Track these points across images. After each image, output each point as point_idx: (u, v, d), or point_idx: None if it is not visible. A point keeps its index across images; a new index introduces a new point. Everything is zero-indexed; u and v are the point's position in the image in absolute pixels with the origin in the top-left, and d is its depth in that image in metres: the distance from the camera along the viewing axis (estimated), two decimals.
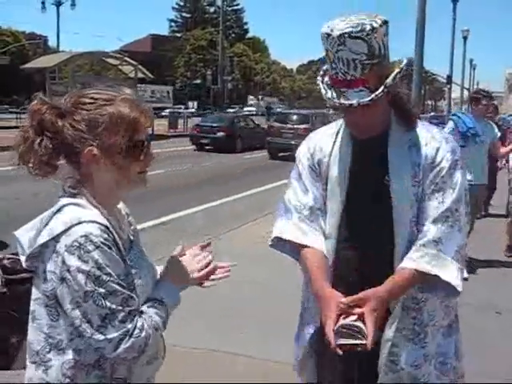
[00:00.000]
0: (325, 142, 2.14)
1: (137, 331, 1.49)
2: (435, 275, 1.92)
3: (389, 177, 2.00)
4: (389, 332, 2.01)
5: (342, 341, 1.85)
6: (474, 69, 71.12)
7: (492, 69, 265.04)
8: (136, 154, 1.58)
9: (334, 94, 1.91)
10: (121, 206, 1.73)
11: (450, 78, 39.39)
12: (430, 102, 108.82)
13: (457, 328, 2.17)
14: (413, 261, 1.94)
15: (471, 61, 66.34)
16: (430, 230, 1.95)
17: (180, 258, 1.76)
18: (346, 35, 1.82)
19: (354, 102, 1.86)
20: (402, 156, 2.00)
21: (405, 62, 2.02)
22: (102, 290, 1.46)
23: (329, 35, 1.85)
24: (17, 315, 1.67)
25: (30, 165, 1.55)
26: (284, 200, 2.21)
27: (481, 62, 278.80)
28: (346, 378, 2.13)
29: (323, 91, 1.95)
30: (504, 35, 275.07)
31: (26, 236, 1.57)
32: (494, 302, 5.31)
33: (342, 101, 1.89)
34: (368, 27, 1.82)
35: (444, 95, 77.80)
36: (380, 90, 1.86)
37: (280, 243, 2.21)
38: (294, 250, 2.17)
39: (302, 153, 2.19)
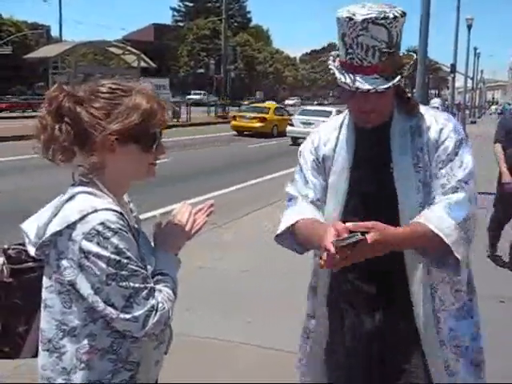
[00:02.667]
0: (329, 136, 2.15)
1: (160, 305, 1.55)
2: (437, 235, 1.88)
3: (392, 165, 2.00)
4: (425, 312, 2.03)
5: (340, 242, 1.72)
6: (478, 58, 70.78)
7: (496, 58, 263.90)
8: (149, 145, 1.62)
9: (348, 79, 1.90)
10: None
11: (453, 67, 39.20)
12: (433, 91, 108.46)
13: (471, 311, 2.15)
14: (420, 217, 1.93)
15: (475, 50, 65.98)
16: (441, 199, 1.95)
17: (163, 226, 1.78)
18: (370, 21, 1.82)
19: (372, 87, 1.86)
20: (404, 143, 2.00)
21: (415, 56, 2.02)
22: (123, 273, 1.50)
23: (350, 19, 1.84)
24: (23, 304, 1.69)
25: (55, 152, 1.57)
26: (286, 193, 2.22)
27: (485, 51, 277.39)
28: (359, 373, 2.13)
29: (338, 75, 1.92)
30: (509, 24, 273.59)
31: (32, 225, 1.59)
32: (497, 291, 5.32)
33: (359, 85, 1.87)
34: (391, 15, 1.84)
35: (448, 84, 77.59)
36: (397, 78, 1.87)
37: (283, 237, 2.19)
38: (295, 242, 2.17)
39: (306, 148, 2.20)
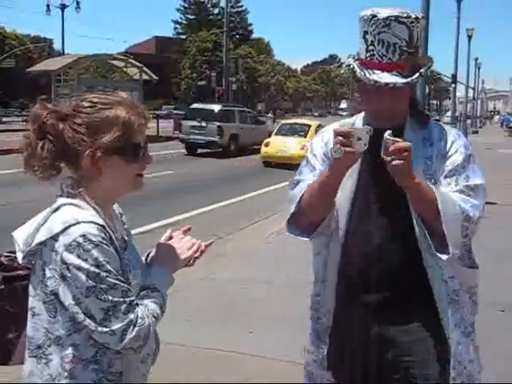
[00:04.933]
0: (328, 136, 2.15)
1: (140, 320, 1.54)
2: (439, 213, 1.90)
3: None
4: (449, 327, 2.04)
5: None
6: (479, 68, 70.82)
7: (497, 68, 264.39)
8: (134, 155, 1.63)
9: (368, 74, 1.95)
10: (114, 206, 1.77)
11: (454, 77, 39.26)
12: (434, 102, 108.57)
13: (473, 328, 2.16)
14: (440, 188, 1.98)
15: (476, 60, 66.09)
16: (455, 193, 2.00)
17: (168, 242, 1.80)
18: (393, 18, 1.92)
19: (392, 81, 1.92)
20: (416, 150, 1.98)
21: (432, 59, 2.08)
22: (102, 286, 1.50)
23: (374, 16, 1.93)
24: (13, 312, 1.70)
25: (35, 168, 1.59)
26: (289, 182, 2.21)
27: (486, 61, 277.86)
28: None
29: (357, 70, 1.98)
30: (509, 34, 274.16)
31: (22, 234, 1.61)
32: (497, 300, 5.32)
33: (379, 79, 1.93)
34: (413, 15, 1.94)
35: (449, 94, 77.69)
36: (416, 75, 1.94)
37: (294, 221, 2.15)
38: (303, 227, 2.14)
39: (316, 143, 2.23)
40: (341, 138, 1.85)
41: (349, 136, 1.84)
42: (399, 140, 1.83)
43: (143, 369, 1.71)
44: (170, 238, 1.83)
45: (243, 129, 22.22)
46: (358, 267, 2.08)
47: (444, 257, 1.94)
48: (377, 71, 1.93)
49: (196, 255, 1.79)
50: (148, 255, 1.82)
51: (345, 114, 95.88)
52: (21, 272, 1.68)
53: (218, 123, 21.08)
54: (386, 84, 1.91)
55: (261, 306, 5.19)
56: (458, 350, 2.04)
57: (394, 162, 1.82)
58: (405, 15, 1.92)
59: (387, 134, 1.85)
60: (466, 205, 1.96)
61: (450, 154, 2.04)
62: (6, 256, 1.71)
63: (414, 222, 1.99)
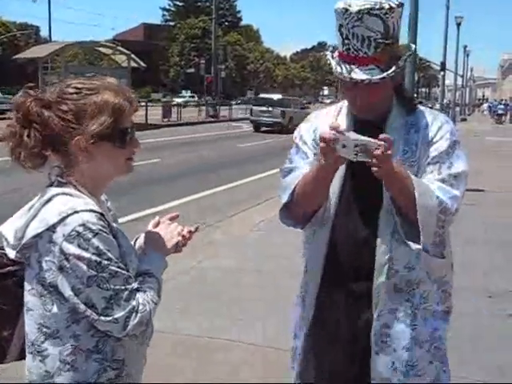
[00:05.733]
0: (326, 122, 2.10)
1: (141, 306, 1.54)
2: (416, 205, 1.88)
3: None
4: (380, 312, 2.02)
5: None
6: (468, 55, 70.95)
7: (486, 56, 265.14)
8: (123, 141, 1.60)
9: (344, 70, 1.93)
10: None
11: (443, 65, 39.32)
12: (423, 89, 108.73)
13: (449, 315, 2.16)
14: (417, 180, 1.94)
15: (465, 47, 66.16)
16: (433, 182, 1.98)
17: (156, 229, 1.79)
18: (365, 11, 1.86)
19: (366, 77, 1.89)
20: (398, 138, 2.00)
21: (413, 47, 2.03)
22: (104, 274, 1.49)
23: (346, 10, 1.87)
24: (6, 309, 1.68)
25: (22, 158, 1.56)
26: (280, 170, 2.20)
27: (475, 49, 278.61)
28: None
29: (333, 66, 1.97)
30: (498, 22, 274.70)
31: (10, 228, 1.58)
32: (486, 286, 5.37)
33: (353, 76, 1.91)
34: (386, 6, 1.87)
35: (438, 82, 77.83)
36: (392, 69, 1.90)
37: (287, 209, 2.13)
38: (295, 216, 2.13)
39: (303, 130, 2.20)
40: (323, 144, 1.82)
41: (333, 142, 1.79)
42: (374, 143, 1.77)
43: (142, 351, 1.71)
44: (158, 224, 1.81)
45: (296, 112, 28.41)
46: (347, 255, 2.08)
47: (414, 246, 1.94)
48: (353, 66, 1.91)
49: (184, 241, 1.78)
50: (136, 241, 1.81)
51: (328, 101, 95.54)
52: (11, 268, 1.65)
53: (281, 108, 28.65)
54: (362, 80, 1.89)
55: (250, 293, 5.21)
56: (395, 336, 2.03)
57: (374, 169, 1.82)
58: (377, 7, 1.85)
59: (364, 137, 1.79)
60: (444, 196, 1.94)
61: (435, 140, 2.01)
62: None
63: (384, 209, 1.98)
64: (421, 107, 2.12)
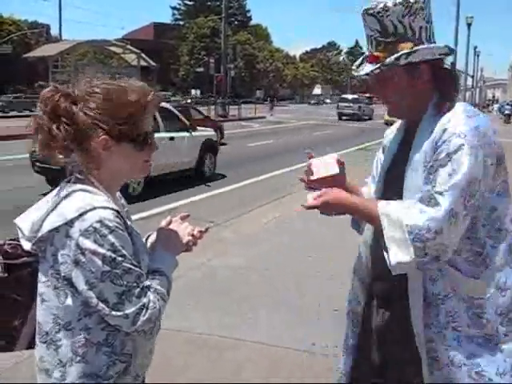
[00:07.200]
0: (392, 129, 2.23)
1: (151, 304, 1.58)
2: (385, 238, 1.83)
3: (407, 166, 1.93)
4: (419, 326, 1.94)
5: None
6: (478, 56, 70.70)
7: (496, 56, 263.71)
8: (143, 143, 1.65)
9: (355, 67, 2.04)
10: None
11: (453, 65, 39.10)
12: None
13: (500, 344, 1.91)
14: (385, 206, 1.87)
15: (475, 48, 65.93)
16: (416, 203, 1.83)
17: (169, 227, 1.82)
18: (365, 12, 1.94)
19: (362, 72, 1.97)
20: (421, 141, 1.90)
21: (423, 46, 1.89)
22: (118, 271, 1.53)
23: (361, 13, 1.97)
24: (19, 298, 1.72)
25: (54, 151, 1.60)
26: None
27: (485, 50, 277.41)
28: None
29: (353, 67, 2.07)
30: (508, 23, 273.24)
31: (26, 220, 1.63)
32: None
33: (353, 73, 2.03)
34: (381, 5, 1.90)
35: None
36: (376, 66, 1.91)
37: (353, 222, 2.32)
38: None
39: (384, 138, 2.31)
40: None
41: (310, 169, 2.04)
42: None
43: (150, 346, 1.74)
44: (170, 223, 1.84)
45: (365, 106, 45.99)
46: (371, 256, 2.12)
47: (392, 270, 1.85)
48: (363, 64, 2.00)
49: (194, 241, 1.80)
50: (147, 239, 1.83)
51: (312, 101, 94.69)
52: (26, 259, 1.69)
53: (358, 104, 45.17)
54: (356, 76, 2.01)
55: (259, 292, 5.22)
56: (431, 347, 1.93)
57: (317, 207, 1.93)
58: (373, 6, 1.92)
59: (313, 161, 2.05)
60: (421, 220, 1.77)
61: (437, 144, 1.82)
62: (9, 244, 1.71)
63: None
64: (458, 105, 1.91)
